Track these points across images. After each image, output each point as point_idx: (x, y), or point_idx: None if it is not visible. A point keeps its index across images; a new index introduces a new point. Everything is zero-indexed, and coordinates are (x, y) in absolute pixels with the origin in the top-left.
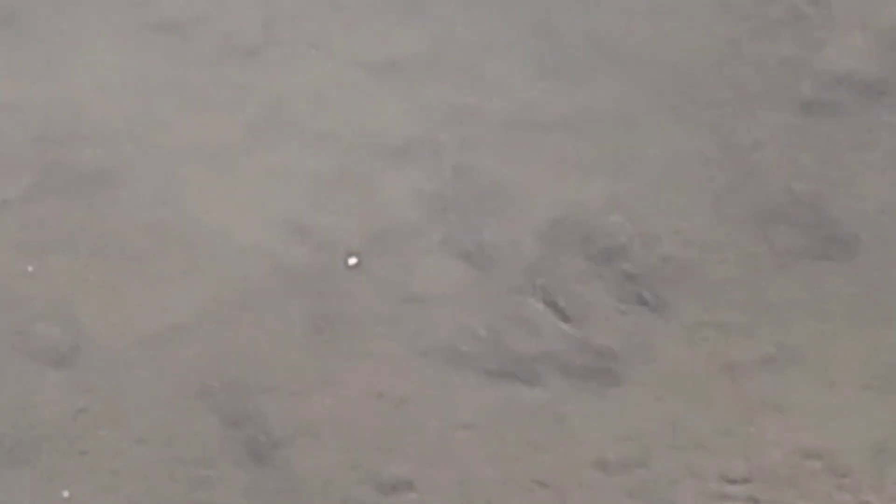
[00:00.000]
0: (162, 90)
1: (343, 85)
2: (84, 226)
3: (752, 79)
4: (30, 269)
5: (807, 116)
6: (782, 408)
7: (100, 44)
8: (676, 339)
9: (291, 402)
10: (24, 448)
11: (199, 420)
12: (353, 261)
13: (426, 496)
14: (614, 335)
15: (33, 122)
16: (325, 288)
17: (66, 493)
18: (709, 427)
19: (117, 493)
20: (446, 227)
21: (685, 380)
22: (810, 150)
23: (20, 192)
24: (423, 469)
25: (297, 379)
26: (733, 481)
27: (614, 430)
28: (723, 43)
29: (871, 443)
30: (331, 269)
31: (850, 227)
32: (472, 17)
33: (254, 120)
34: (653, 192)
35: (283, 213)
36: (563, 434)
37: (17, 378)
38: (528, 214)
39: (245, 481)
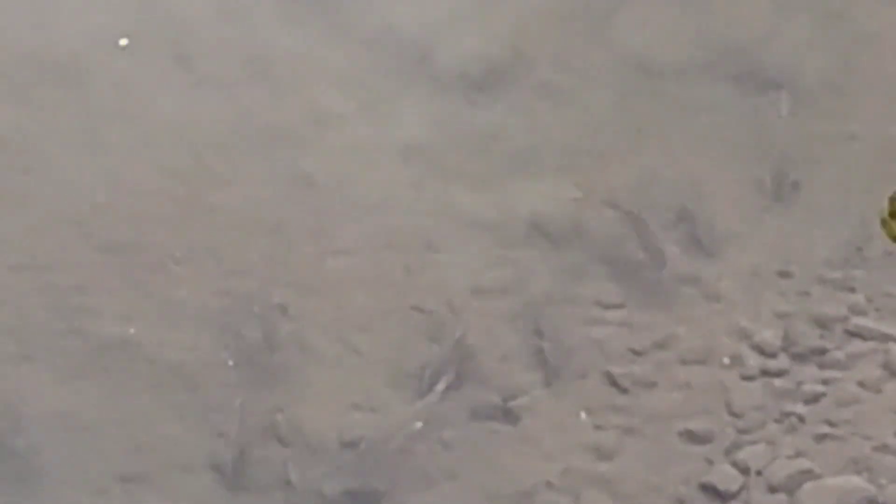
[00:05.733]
0: None
1: None
2: None
3: None
4: None
5: None
6: None
7: None
8: (552, 165)
9: (165, 230)
10: None
11: (74, 247)
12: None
13: (300, 323)
14: (485, 164)
15: None
16: (197, 118)
17: None
18: (583, 255)
19: None
20: None
21: (560, 204)
22: None
23: None
24: (297, 296)
25: (173, 208)
26: (608, 307)
27: (489, 257)
28: None
29: (745, 268)
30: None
31: (732, 48)
32: None
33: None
34: (529, 20)
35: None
36: (437, 260)
37: None
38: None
39: (121, 308)
